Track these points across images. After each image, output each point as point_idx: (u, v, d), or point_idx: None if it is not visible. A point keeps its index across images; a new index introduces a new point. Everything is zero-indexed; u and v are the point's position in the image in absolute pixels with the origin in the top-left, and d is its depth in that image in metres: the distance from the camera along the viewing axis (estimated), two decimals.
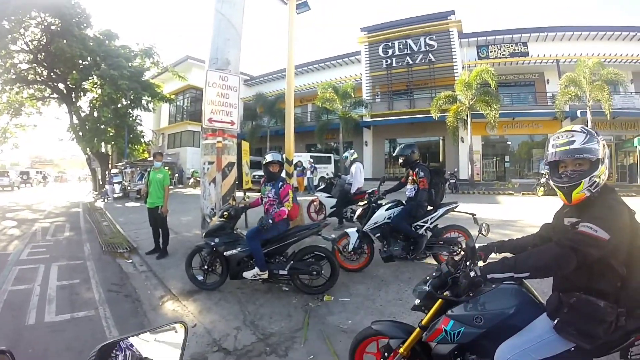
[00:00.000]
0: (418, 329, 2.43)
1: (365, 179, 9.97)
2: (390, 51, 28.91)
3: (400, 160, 6.25)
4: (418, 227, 5.93)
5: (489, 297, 2.22)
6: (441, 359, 2.34)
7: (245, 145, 8.65)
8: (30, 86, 27.10)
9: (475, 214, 5.88)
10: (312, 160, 23.18)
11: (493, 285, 2.22)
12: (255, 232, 5.18)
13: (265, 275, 5.16)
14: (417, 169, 5.97)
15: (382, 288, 5.31)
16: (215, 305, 5.01)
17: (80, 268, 7.25)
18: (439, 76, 27.10)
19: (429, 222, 5.98)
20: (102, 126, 25.50)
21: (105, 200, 20.67)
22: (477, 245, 2.48)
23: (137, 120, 27.83)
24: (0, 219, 14.16)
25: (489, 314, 2.19)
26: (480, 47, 27.58)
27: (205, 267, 5.55)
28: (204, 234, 5.72)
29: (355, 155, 9.42)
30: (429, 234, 6.01)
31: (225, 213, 5.50)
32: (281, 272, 5.19)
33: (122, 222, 12.02)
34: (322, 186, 10.77)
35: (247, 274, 5.17)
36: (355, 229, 6.14)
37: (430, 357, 2.45)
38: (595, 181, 1.94)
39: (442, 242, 5.96)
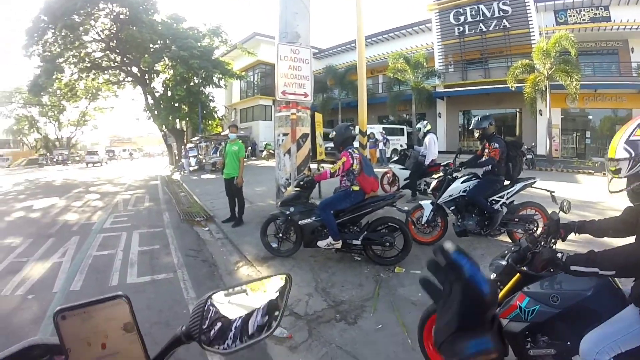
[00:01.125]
0: None
1: (439, 152, 9.67)
2: (462, 18, 27.34)
3: (477, 134, 6.01)
4: (494, 202, 5.73)
5: (567, 277, 2.10)
6: (512, 337, 2.27)
7: (319, 117, 8.65)
8: (105, 72, 28.98)
9: (553, 191, 5.55)
10: (384, 132, 22.65)
11: None
12: (327, 203, 5.25)
13: (339, 245, 5.20)
14: (492, 142, 5.74)
15: None
16: (288, 271, 5.12)
17: (160, 235, 7.71)
18: (515, 44, 25.27)
19: (505, 197, 5.75)
20: (176, 104, 26.68)
21: (182, 173, 21.67)
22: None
23: (210, 97, 28.74)
24: (85, 192, 15.35)
25: (566, 294, 2.10)
26: (558, 11, 25.11)
27: (280, 235, 5.67)
28: (279, 203, 5.82)
29: (429, 127, 9.18)
30: (505, 209, 5.78)
31: (300, 183, 5.57)
32: (354, 242, 5.21)
33: (199, 193, 12.51)
34: (395, 158, 10.60)
35: (321, 243, 5.23)
36: (430, 201, 6.01)
37: (500, 334, 2.39)
38: None
39: (517, 219, 5.72)
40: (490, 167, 5.76)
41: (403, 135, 26.04)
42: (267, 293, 0.93)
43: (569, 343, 2.07)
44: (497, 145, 5.64)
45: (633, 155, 1.75)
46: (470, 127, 6.33)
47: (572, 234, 2.40)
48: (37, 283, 5.25)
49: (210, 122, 29.91)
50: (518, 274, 2.27)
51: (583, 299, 2.03)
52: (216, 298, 0.86)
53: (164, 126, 27.93)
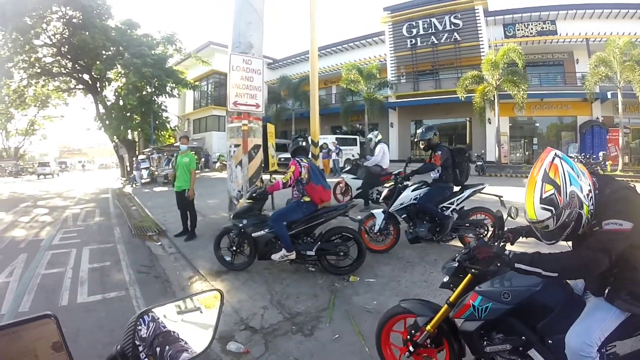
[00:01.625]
0: (446, 305, 2.45)
1: (391, 161, 9.88)
2: (414, 31, 28.19)
3: (422, 145, 6.22)
4: (444, 208, 5.87)
5: (516, 274, 2.17)
6: (468, 336, 2.37)
7: (271, 128, 8.65)
8: (56, 78, 27.91)
9: (502, 196, 5.79)
10: (337, 142, 22.84)
11: None
12: (280, 214, 5.23)
13: (293, 256, 5.17)
14: (436, 150, 5.96)
15: (407, 269, 5.29)
16: (242, 285, 5.09)
17: (111, 251, 7.46)
18: (465, 56, 26.43)
19: (455, 204, 5.91)
20: (128, 114, 25.96)
21: (134, 185, 21.12)
22: (506, 228, 2.50)
23: (162, 107, 28.27)
24: (33, 207, 14.63)
25: (516, 290, 2.20)
26: (507, 25, 26.64)
27: (234, 248, 5.60)
28: (232, 216, 5.77)
29: (380, 137, 9.34)
30: (455, 215, 5.93)
31: (253, 195, 5.52)
32: (308, 252, 5.19)
33: (151, 206, 12.23)
34: (348, 168, 10.72)
35: (275, 256, 5.20)
36: (382, 210, 6.09)
37: (456, 335, 2.49)
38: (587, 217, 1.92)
39: (468, 224, 5.89)
40: (438, 175, 5.94)
41: (356, 145, 26.35)
42: (200, 309, 0.94)
43: (523, 337, 2.18)
44: (439, 152, 5.86)
45: (554, 211, 1.87)
46: (416, 140, 6.53)
47: (521, 237, 2.50)
48: None
49: (162, 132, 29.32)
50: (469, 275, 2.35)
51: (533, 294, 2.14)
52: (150, 316, 0.87)
53: (115, 137, 27.07)
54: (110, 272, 6.22)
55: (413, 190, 5.98)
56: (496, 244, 2.42)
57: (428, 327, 2.49)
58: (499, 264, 2.15)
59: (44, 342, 0.71)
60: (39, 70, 25.60)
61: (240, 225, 5.41)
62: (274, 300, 4.55)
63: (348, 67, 27.29)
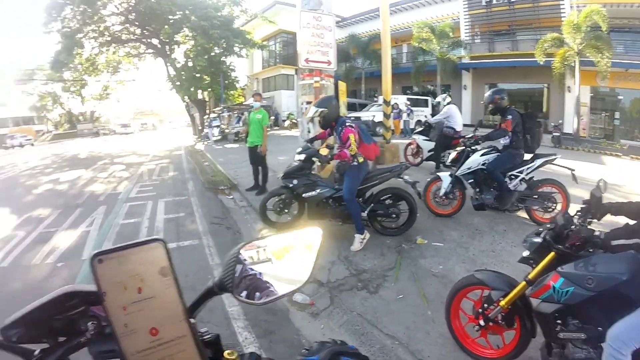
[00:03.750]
0: (523, 282, 2.35)
1: (465, 125, 9.49)
2: None
3: (490, 107, 5.86)
4: (513, 176, 5.61)
5: (603, 259, 2.05)
6: (542, 317, 2.25)
7: (342, 86, 8.49)
8: (125, 45, 28.94)
9: (574, 170, 5.43)
10: (408, 102, 22.09)
11: None
12: (349, 190, 4.91)
13: (368, 236, 5.00)
14: (505, 114, 5.60)
15: (475, 237, 5.15)
16: None
17: (185, 203, 7.86)
18: (544, 16, 24.13)
19: (525, 173, 5.62)
20: (198, 75, 26.72)
21: (205, 143, 21.83)
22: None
23: (231, 67, 28.79)
24: (110, 164, 15.64)
25: (601, 277, 2.01)
26: None
27: (280, 206, 5.56)
28: (282, 175, 5.60)
29: (449, 99, 9.07)
30: (524, 185, 5.66)
31: (305, 154, 5.33)
32: (361, 214, 5.10)
33: (222, 162, 12.59)
34: (420, 129, 10.41)
35: (354, 247, 4.87)
36: (449, 173, 5.91)
37: (529, 314, 2.39)
38: None
39: (536, 196, 5.59)
40: (508, 141, 5.62)
41: (427, 106, 25.10)
42: (297, 246, 0.93)
43: (600, 328, 2.03)
44: (509, 116, 5.50)
45: None
46: (482, 102, 6.18)
47: (609, 215, 2.31)
48: (66, 251, 5.44)
49: (232, 92, 30.03)
50: (552, 254, 2.22)
51: (618, 284, 1.95)
52: (247, 250, 0.87)
53: (186, 97, 28.05)
54: (185, 222, 6.57)
55: (482, 155, 5.71)
56: (585, 219, 2.25)
57: (502, 303, 2.42)
58: (591, 250, 2.03)
59: (152, 266, 0.73)
60: (108, 38, 26.61)
61: (291, 185, 5.31)
62: (342, 256, 4.62)
63: (420, 24, 26.00)
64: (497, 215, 5.88)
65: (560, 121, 21.00)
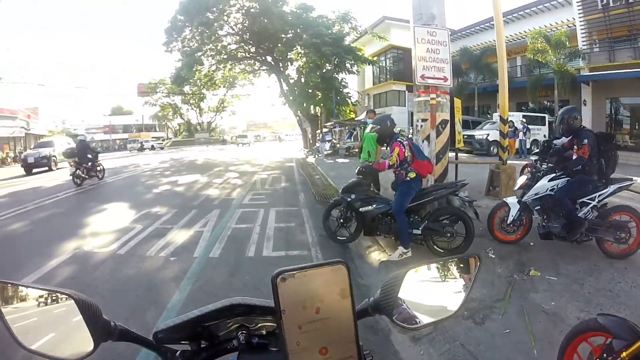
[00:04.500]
0: None
1: None
2: None
3: (563, 127, 5.34)
4: (584, 203, 5.10)
5: None
6: None
7: (458, 103, 8.27)
8: (241, 62, 31.45)
9: None
10: (524, 120, 20.94)
11: None
12: (399, 204, 5.16)
13: (409, 254, 5.15)
14: (581, 137, 5.08)
15: (593, 273, 4.68)
16: (412, 259, 5.11)
17: (296, 214, 8.21)
18: None
19: (597, 200, 5.09)
20: (310, 90, 27.84)
21: (317, 156, 22.53)
22: None
23: (343, 83, 29.47)
24: (225, 171, 16.81)
25: None
26: None
27: (340, 220, 5.81)
28: (341, 190, 5.95)
29: None
30: (595, 213, 5.11)
31: (361, 169, 5.72)
32: (414, 231, 5.18)
33: (333, 176, 12.93)
34: (537, 150, 9.69)
35: (393, 256, 5.23)
36: (517, 199, 5.56)
37: None
38: None
39: (608, 226, 5.01)
40: (581, 166, 5.12)
41: (544, 124, 23.57)
42: (455, 274, 0.93)
43: None
44: (586, 141, 4.98)
45: None
46: (555, 124, 5.64)
47: None
48: (179, 247, 5.97)
49: (343, 107, 30.57)
50: None
51: None
52: (408, 275, 0.87)
53: (298, 111, 29.36)
54: (294, 232, 6.87)
55: (550, 180, 5.30)
56: None
57: (624, 354, 2.15)
58: None
59: (332, 287, 0.75)
60: (225, 56, 29.06)
61: (349, 199, 5.53)
62: None
63: (534, 34, 24.38)
64: (565, 248, 5.40)
65: None
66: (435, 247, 5.23)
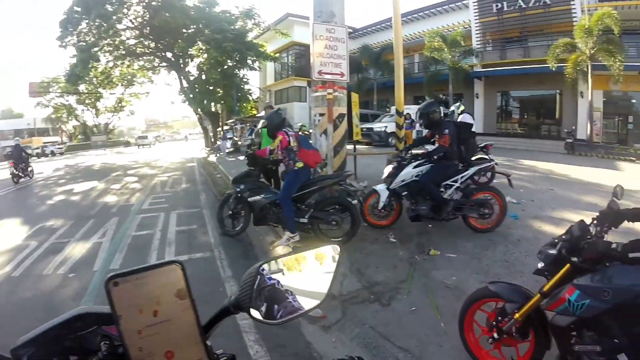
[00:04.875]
0: (538, 295, 2.31)
1: (477, 134, 9.43)
2: None
3: (423, 121, 5.95)
4: (447, 185, 5.62)
5: (620, 271, 2.00)
6: (557, 330, 2.22)
7: (355, 97, 8.53)
8: (140, 58, 29.60)
9: (510, 175, 5.44)
10: (410, 113, 22.08)
11: None
12: (285, 191, 5.42)
13: (297, 238, 5.40)
14: (441, 128, 5.60)
15: (489, 247, 5.09)
16: (301, 247, 5.17)
17: (197, 215, 7.96)
18: (556, 21, 23.78)
19: (459, 182, 5.63)
20: (211, 87, 27.16)
21: (218, 155, 22.03)
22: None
23: (244, 80, 29.06)
24: (123, 175, 15.87)
25: (617, 289, 1.96)
26: None
27: (230, 212, 5.93)
28: (232, 181, 6.09)
29: (462, 108, 9.05)
30: (460, 194, 5.66)
31: (247, 151, 5.97)
32: (301, 220, 5.39)
33: (235, 174, 12.50)
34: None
35: (281, 241, 5.51)
36: (385, 186, 5.91)
37: (544, 327, 2.35)
38: None
39: (472, 204, 5.59)
40: (442, 153, 5.63)
41: None
42: (316, 265, 0.94)
43: (616, 340, 1.99)
44: (447, 131, 5.50)
45: None
46: (417, 116, 6.25)
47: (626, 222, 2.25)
48: (78, 262, 5.54)
49: (245, 104, 30.30)
50: (568, 265, 2.18)
51: (636, 295, 1.91)
52: (265, 269, 0.86)
53: (199, 109, 28.44)
54: (196, 234, 6.65)
55: (415, 167, 5.73)
56: (601, 230, 2.19)
57: (516, 315, 2.38)
58: (607, 264, 2.00)
59: (169, 289, 0.73)
60: (123, 52, 27.26)
61: (238, 189, 5.68)
62: (354, 268, 4.59)
63: (431, 34, 26.06)
64: (512, 225, 5.86)
65: (573, 127, 20.68)
66: (322, 234, 5.44)
